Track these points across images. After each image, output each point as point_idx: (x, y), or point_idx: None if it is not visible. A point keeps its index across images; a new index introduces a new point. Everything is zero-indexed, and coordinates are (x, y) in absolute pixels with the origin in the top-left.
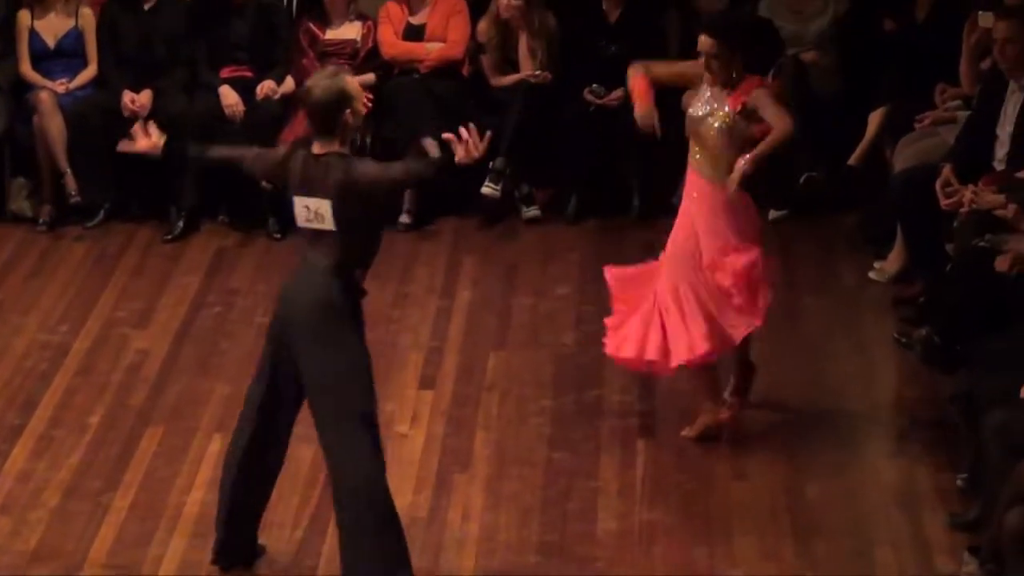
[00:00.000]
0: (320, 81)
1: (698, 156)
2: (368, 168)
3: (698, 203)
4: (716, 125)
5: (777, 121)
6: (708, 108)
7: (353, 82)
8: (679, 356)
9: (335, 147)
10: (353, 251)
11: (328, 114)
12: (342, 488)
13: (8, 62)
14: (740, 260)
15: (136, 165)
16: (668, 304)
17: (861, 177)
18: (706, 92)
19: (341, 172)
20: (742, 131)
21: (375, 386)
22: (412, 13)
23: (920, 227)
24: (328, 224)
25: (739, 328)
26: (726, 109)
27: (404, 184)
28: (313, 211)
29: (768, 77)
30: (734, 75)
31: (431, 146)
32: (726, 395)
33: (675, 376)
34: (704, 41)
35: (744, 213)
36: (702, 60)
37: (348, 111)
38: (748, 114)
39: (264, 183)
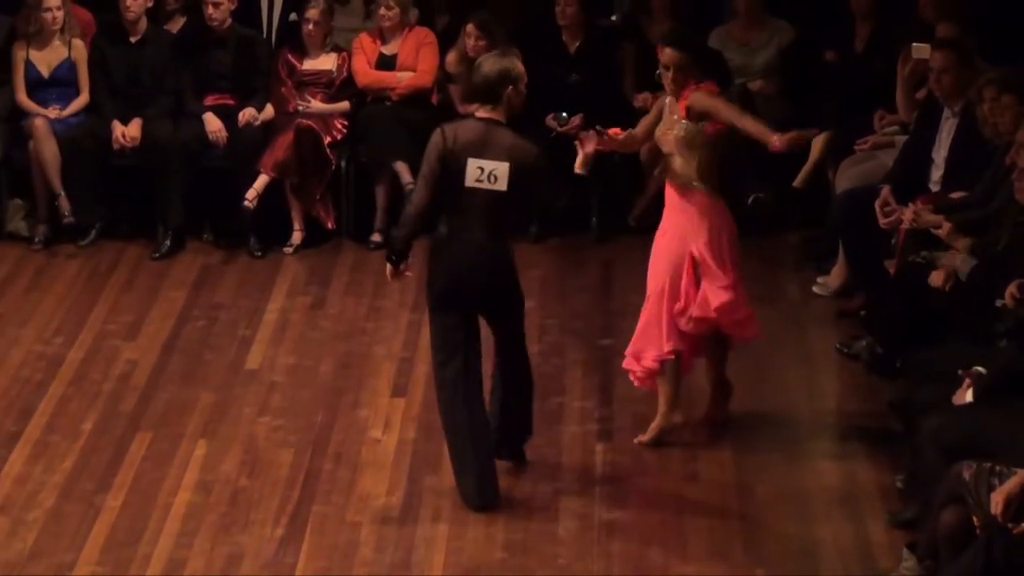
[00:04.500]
0: (489, 57)
1: (671, 168)
2: (532, 146)
3: (680, 212)
4: (675, 134)
5: (731, 115)
6: (669, 121)
7: (520, 64)
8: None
9: (498, 116)
10: (507, 218)
11: (493, 87)
12: (522, 376)
13: (5, 91)
14: (719, 298)
15: (126, 187)
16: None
17: (805, 198)
18: (668, 106)
19: (514, 140)
20: (697, 134)
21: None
22: (384, 44)
23: (860, 244)
24: (502, 185)
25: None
26: (677, 117)
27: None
28: (488, 172)
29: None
30: (692, 83)
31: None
32: (707, 411)
33: (631, 385)
34: (666, 52)
35: (722, 213)
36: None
37: (511, 87)
38: (695, 116)
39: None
